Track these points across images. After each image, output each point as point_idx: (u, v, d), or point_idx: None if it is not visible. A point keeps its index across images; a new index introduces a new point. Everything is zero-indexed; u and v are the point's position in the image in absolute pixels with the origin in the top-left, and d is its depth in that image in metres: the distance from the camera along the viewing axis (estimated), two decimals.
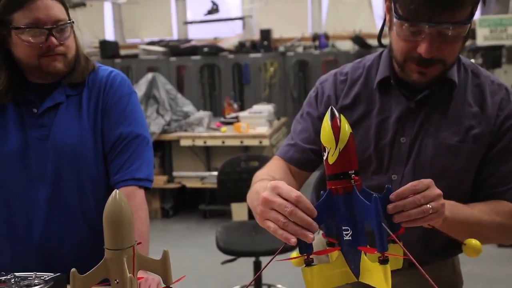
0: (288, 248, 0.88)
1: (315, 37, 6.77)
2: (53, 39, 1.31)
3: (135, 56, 6.98)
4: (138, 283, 0.83)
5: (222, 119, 5.12)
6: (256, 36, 6.91)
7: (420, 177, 0.98)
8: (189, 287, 3.30)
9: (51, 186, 1.38)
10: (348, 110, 1.29)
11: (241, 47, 6.80)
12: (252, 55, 6.59)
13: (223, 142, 4.62)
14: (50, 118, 1.39)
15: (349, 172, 0.84)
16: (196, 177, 4.87)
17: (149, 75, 4.92)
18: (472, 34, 4.44)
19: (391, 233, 0.82)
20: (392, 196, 0.88)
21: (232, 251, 2.74)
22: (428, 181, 0.92)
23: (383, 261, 0.79)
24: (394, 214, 0.87)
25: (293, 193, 0.87)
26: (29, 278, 1.09)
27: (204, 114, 4.90)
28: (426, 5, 1.03)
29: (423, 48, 1.09)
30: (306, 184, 1.38)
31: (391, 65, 1.25)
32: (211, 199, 4.84)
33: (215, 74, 6.70)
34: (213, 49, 6.63)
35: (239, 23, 7.34)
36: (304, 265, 0.86)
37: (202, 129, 4.74)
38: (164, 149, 4.90)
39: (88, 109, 1.42)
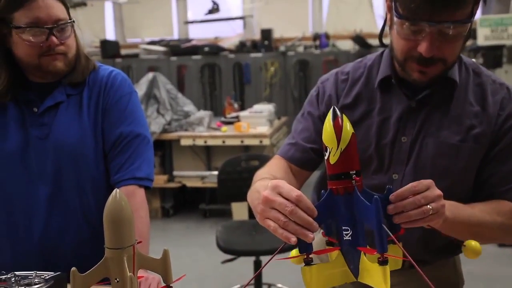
0: (288, 248, 0.88)
1: (316, 37, 6.77)
2: (54, 38, 1.31)
3: (135, 55, 6.98)
4: (138, 282, 0.83)
5: (223, 119, 5.12)
6: (257, 36, 6.91)
7: (421, 176, 0.97)
8: (189, 286, 3.30)
9: (51, 185, 1.38)
10: (349, 109, 1.29)
11: (242, 47, 6.80)
12: (253, 55, 6.59)
13: (223, 142, 4.62)
14: (51, 117, 1.39)
15: (350, 172, 0.84)
16: (196, 176, 4.87)
17: (150, 75, 4.92)
18: (473, 34, 4.44)
19: (390, 234, 0.82)
20: (391, 197, 0.88)
21: (232, 250, 2.74)
22: (428, 181, 0.92)
23: (383, 262, 0.79)
24: (394, 215, 0.87)
25: (294, 192, 0.87)
26: (29, 277, 1.09)
27: (205, 114, 4.90)
28: (427, 4, 1.03)
29: (424, 47, 1.08)
30: (307, 184, 1.38)
31: (392, 64, 1.25)
32: (212, 199, 4.85)
33: (215, 73, 6.70)
34: (214, 49, 6.63)
35: (239, 22, 7.34)
36: (303, 263, 0.86)
37: (202, 129, 4.74)
38: (165, 149, 4.90)
39: (88, 109, 1.42)
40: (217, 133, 4.68)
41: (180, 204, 5.16)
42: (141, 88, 4.74)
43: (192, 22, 7.82)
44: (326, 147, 0.85)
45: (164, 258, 0.86)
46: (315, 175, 1.41)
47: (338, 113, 0.85)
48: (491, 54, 4.73)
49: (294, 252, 0.91)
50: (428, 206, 0.89)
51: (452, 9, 1.04)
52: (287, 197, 0.87)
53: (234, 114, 5.11)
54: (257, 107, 5.13)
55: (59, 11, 1.32)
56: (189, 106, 5.00)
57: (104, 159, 1.43)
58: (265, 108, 4.98)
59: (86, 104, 1.42)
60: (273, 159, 1.38)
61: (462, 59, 1.26)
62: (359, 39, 6.33)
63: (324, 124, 0.85)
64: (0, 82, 1.35)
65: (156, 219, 4.86)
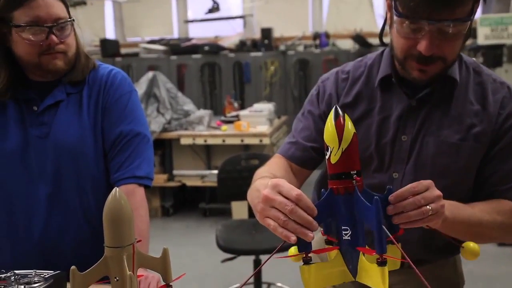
0: (287, 246, 0.88)
1: (316, 36, 6.77)
2: (54, 37, 1.31)
3: (135, 54, 6.98)
4: (138, 281, 0.83)
5: (223, 118, 5.12)
6: (257, 35, 6.91)
7: (421, 175, 0.97)
8: (189, 285, 3.30)
9: (51, 184, 1.38)
10: (350, 108, 1.28)
11: (242, 46, 6.80)
12: (253, 54, 6.59)
13: (223, 141, 4.62)
14: (51, 116, 1.39)
15: (351, 172, 0.84)
16: (196, 175, 4.87)
17: (150, 74, 4.92)
18: (473, 33, 4.43)
19: (390, 235, 0.81)
20: (391, 198, 0.87)
21: (232, 249, 2.74)
22: (427, 182, 0.92)
23: (381, 263, 0.79)
24: (394, 215, 0.87)
25: (294, 191, 0.87)
26: (29, 276, 1.09)
27: (205, 113, 4.90)
28: (426, 2, 1.03)
29: (423, 45, 1.08)
30: (308, 183, 1.38)
31: (392, 63, 1.25)
32: (211, 198, 4.85)
33: (215, 72, 6.70)
34: (214, 48, 6.64)
35: (239, 21, 7.33)
36: (302, 261, 0.86)
37: (202, 128, 4.74)
38: (165, 148, 4.90)
39: (88, 107, 1.42)
40: (217, 132, 4.68)
41: (180, 203, 5.16)
42: (141, 87, 4.74)
43: (192, 21, 7.82)
44: (327, 147, 0.85)
45: (163, 257, 0.86)
46: (316, 174, 1.41)
47: (340, 112, 0.84)
48: (491, 53, 4.73)
49: (293, 249, 0.91)
50: (428, 206, 0.89)
51: (451, 7, 1.03)
52: (287, 196, 0.87)
53: (234, 113, 5.12)
54: (257, 106, 5.13)
55: (59, 9, 1.32)
56: (189, 105, 5.00)
57: (104, 158, 1.43)
58: (265, 107, 4.98)
59: (86, 103, 1.42)
60: (273, 157, 1.38)
61: (463, 58, 1.26)
62: (359, 38, 6.33)
63: (326, 124, 0.85)
64: (0, 80, 1.35)
65: (156, 218, 4.86)
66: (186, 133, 4.71)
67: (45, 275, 1.09)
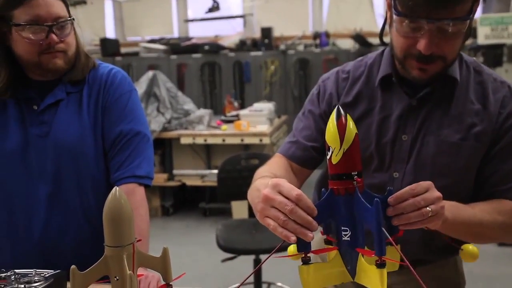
0: (287, 246, 0.88)
1: (316, 36, 6.76)
2: (54, 36, 1.31)
3: (135, 54, 6.98)
4: (138, 280, 0.83)
5: (223, 117, 5.12)
6: (257, 34, 6.91)
7: (422, 175, 0.97)
8: (189, 284, 3.29)
9: (51, 184, 1.38)
10: (350, 108, 1.28)
11: (242, 45, 6.80)
12: (253, 53, 6.59)
13: (223, 140, 4.62)
14: (51, 115, 1.38)
15: (352, 173, 0.84)
16: (196, 175, 4.87)
17: (150, 73, 4.92)
18: (473, 33, 4.43)
19: (389, 237, 0.81)
20: (390, 200, 0.87)
21: (232, 249, 2.74)
22: (427, 183, 0.92)
23: (380, 265, 0.79)
24: (394, 217, 0.87)
25: (294, 191, 0.86)
26: (29, 275, 1.09)
27: (205, 112, 4.90)
28: (425, 1, 1.03)
29: (423, 44, 1.08)
30: (308, 183, 1.38)
31: (392, 62, 1.25)
32: (211, 197, 4.85)
33: (215, 72, 6.70)
34: (214, 47, 6.63)
35: (240, 21, 7.33)
36: (301, 261, 0.86)
37: (202, 127, 4.74)
38: (165, 147, 4.90)
39: (88, 107, 1.42)
40: (217, 131, 4.68)
41: (180, 202, 5.16)
42: (141, 87, 4.74)
43: (192, 21, 7.82)
44: (329, 147, 0.85)
45: (164, 256, 0.86)
46: (317, 173, 1.41)
47: (342, 112, 0.84)
48: (491, 53, 4.73)
49: (292, 248, 0.91)
50: (428, 208, 0.89)
51: (450, 6, 1.03)
52: (287, 196, 0.86)
53: (234, 113, 5.11)
54: (257, 105, 5.13)
55: (59, 8, 1.32)
56: (189, 105, 5.00)
57: (104, 157, 1.43)
58: (265, 107, 4.98)
59: (86, 102, 1.42)
60: (274, 157, 1.38)
61: (463, 57, 1.26)
62: (359, 38, 6.33)
63: (328, 124, 0.85)
64: (0, 79, 1.35)
65: (156, 218, 4.86)
66: (186, 132, 4.71)
67: (45, 275, 1.09)
